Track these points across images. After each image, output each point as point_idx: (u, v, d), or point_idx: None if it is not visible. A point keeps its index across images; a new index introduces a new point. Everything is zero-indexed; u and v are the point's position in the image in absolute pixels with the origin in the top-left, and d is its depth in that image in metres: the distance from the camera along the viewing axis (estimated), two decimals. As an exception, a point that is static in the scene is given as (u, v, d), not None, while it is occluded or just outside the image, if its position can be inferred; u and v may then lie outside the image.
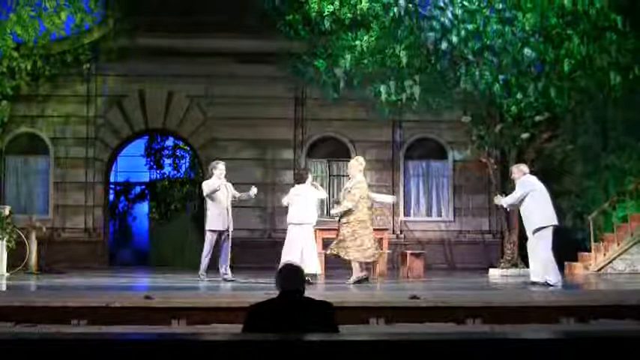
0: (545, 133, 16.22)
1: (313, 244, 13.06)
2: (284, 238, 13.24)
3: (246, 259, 16.51)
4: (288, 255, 12.39)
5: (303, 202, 12.89)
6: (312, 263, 12.62)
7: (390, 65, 15.52)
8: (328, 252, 13.17)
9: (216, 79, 19.37)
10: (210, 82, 19.44)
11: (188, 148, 21.60)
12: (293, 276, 5.56)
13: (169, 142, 22.39)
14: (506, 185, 16.41)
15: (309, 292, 5.62)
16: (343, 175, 19.87)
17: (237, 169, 19.37)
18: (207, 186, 13.60)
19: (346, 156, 19.87)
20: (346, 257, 12.79)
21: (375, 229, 13.61)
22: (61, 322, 9.20)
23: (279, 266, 5.80)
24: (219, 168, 13.73)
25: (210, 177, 13.68)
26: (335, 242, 12.95)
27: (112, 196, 21.87)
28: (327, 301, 5.61)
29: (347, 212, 12.73)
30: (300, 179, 13.26)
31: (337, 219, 13.06)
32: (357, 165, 12.89)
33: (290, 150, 19.59)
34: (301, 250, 12.67)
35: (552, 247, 12.62)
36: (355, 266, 12.80)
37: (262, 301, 5.51)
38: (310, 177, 13.36)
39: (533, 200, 12.72)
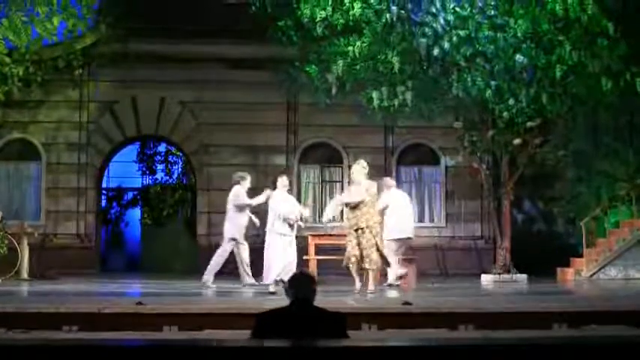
0: (537, 138, 16.25)
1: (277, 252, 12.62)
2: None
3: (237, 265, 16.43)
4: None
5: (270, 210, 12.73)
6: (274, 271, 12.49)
7: (382, 71, 15.53)
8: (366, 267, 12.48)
9: (208, 84, 19.37)
10: (202, 87, 19.44)
11: (180, 154, 21.58)
12: (305, 284, 5.45)
13: (162, 147, 22.34)
14: (499, 191, 16.45)
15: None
16: (336, 181, 19.89)
17: (229, 175, 19.28)
18: (243, 198, 13.52)
19: (339, 162, 19.89)
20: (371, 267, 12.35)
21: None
22: (52, 328, 9.15)
23: (291, 275, 5.72)
24: (248, 179, 13.88)
25: (233, 185, 13.70)
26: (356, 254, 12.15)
27: (104, 202, 21.80)
28: (340, 312, 5.54)
29: (364, 214, 12.23)
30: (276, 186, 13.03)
31: (352, 224, 12.29)
32: (361, 169, 12.40)
33: (282, 155, 19.58)
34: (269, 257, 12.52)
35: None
36: (376, 275, 12.41)
37: (272, 309, 5.41)
38: (284, 180, 12.90)
39: (392, 213, 13.48)
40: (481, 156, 16.67)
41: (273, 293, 11.85)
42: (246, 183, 13.69)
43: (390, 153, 19.81)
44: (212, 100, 19.44)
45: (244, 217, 13.50)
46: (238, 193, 13.57)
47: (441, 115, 16.87)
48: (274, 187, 13.08)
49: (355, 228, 12.12)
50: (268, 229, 12.68)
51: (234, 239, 13.42)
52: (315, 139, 19.83)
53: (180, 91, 19.43)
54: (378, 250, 12.07)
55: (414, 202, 19.92)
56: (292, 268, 12.05)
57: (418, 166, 20.06)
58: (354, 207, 12.20)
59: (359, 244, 12.06)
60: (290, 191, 13.29)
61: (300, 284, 5.43)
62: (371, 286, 12.05)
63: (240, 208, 13.47)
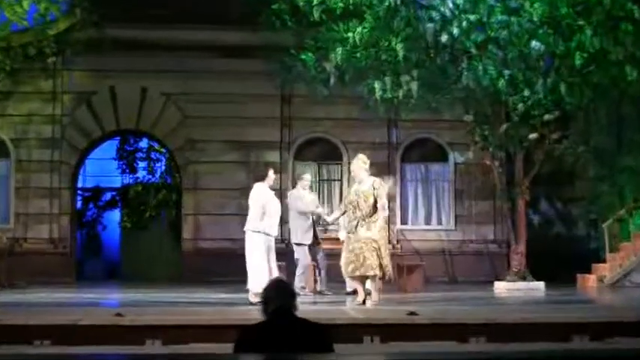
0: (555, 133, 16.24)
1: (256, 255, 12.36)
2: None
3: (228, 272, 16.41)
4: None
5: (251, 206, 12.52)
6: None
7: (385, 59, 15.52)
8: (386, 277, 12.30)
9: (194, 74, 19.34)
10: (188, 77, 19.41)
11: (164, 150, 21.53)
12: (284, 293, 5.54)
13: (143, 143, 22.29)
14: (513, 190, 16.45)
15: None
16: (334, 180, 19.89)
17: (217, 173, 19.39)
18: (301, 202, 14.16)
19: (337, 158, 19.88)
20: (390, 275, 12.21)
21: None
22: (22, 343, 9.14)
23: (266, 285, 5.76)
24: (306, 179, 14.54)
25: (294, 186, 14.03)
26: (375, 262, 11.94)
27: (79, 203, 21.75)
28: (322, 324, 5.62)
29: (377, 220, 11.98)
30: (259, 177, 12.79)
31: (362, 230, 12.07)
32: (361, 165, 12.18)
33: (276, 152, 19.58)
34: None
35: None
36: (378, 284, 12.35)
37: (254, 324, 5.48)
38: (272, 174, 12.65)
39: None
40: (493, 152, 16.66)
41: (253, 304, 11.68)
42: (305, 183, 14.44)
43: (394, 149, 19.81)
44: (199, 92, 19.42)
45: (306, 221, 14.19)
46: (301, 196, 14.28)
47: (450, 108, 16.86)
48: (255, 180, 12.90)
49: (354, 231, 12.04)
50: (252, 229, 12.38)
51: (302, 244, 14.10)
52: (311, 133, 19.83)
53: (164, 82, 19.40)
54: (380, 254, 11.91)
55: (420, 202, 20.00)
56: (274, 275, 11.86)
57: (424, 163, 20.07)
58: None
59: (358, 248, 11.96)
60: (273, 188, 12.97)
61: (279, 294, 5.52)
62: (374, 296, 12.00)
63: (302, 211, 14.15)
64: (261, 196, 12.29)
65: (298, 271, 13.98)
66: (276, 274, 11.97)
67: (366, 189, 12.05)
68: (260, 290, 11.67)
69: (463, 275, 19.09)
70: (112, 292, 16.07)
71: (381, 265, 11.84)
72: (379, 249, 11.84)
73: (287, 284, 5.70)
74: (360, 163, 12.23)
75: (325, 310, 11.78)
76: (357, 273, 11.96)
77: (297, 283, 13.55)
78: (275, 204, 12.41)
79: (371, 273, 11.85)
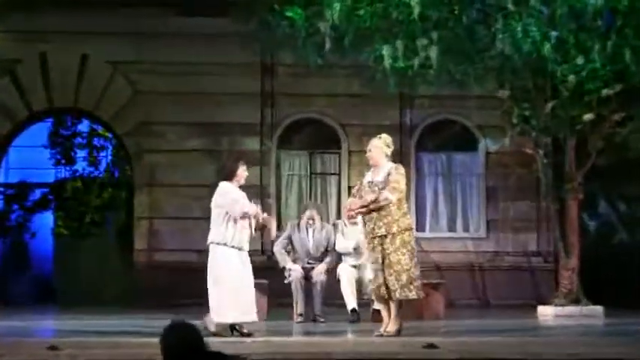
0: (617, 113, 16.25)
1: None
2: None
3: (192, 293, 16.27)
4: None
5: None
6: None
7: (396, 18, 15.52)
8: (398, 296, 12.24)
9: (150, 38, 19.37)
10: (141, 41, 19.45)
11: (110, 136, 21.56)
12: (189, 335, 5.69)
13: (83, 126, 22.33)
14: (562, 187, 16.45)
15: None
16: (330, 173, 19.90)
17: (180, 165, 19.37)
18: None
19: (334, 146, 19.90)
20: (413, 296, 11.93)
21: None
22: None
23: (165, 331, 5.83)
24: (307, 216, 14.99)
25: None
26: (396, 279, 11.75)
27: (0, 203, 21.77)
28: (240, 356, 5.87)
29: (395, 220, 11.88)
30: (226, 174, 12.59)
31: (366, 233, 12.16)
32: (383, 148, 11.84)
33: (255, 138, 19.64)
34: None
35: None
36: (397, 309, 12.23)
37: None
38: (243, 170, 12.28)
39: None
40: (537, 137, 16.68)
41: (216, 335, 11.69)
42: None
43: (407, 134, 19.90)
44: (155, 60, 19.46)
45: None
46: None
47: (480, 81, 16.79)
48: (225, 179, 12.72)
49: (372, 236, 11.91)
50: (217, 241, 12.30)
51: None
52: (300, 114, 19.91)
53: (110, 47, 19.43)
54: (405, 269, 11.70)
55: (441, 203, 20.00)
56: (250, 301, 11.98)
57: (447, 152, 20.17)
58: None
59: (375, 261, 11.81)
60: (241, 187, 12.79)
61: (184, 338, 5.66)
62: (392, 324, 11.85)
63: None
64: (227, 199, 12.13)
65: None
66: (251, 297, 12.00)
67: (382, 179, 11.82)
68: (223, 320, 11.88)
69: (497, 297, 19.20)
70: (44, 319, 16.00)
71: (409, 283, 11.71)
72: (399, 262, 11.74)
73: (188, 326, 5.75)
74: (381, 145, 11.90)
75: (319, 342, 11.77)
76: (374, 296, 12.01)
77: None
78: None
79: (394, 295, 11.73)
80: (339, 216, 17.71)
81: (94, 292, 19.73)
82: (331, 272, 14.74)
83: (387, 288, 11.67)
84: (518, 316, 15.83)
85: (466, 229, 19.96)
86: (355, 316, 14.30)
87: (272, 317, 14.68)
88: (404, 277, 11.64)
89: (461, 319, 14.80)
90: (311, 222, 14.90)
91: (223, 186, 12.19)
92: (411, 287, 11.69)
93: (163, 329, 5.75)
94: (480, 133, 19.87)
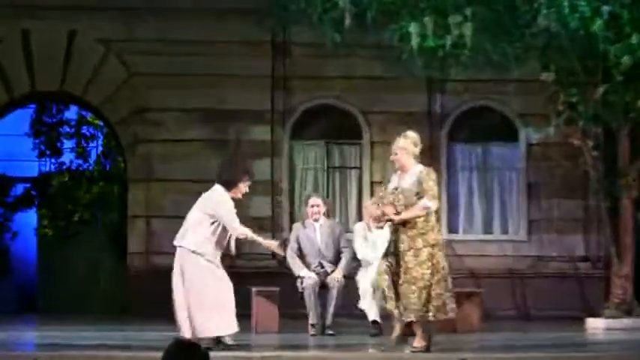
0: (678, 99, 16.24)
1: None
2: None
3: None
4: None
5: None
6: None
7: (425, -10, 15.54)
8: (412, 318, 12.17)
9: (145, 13, 19.37)
10: (136, 17, 19.48)
11: (101, 124, 21.61)
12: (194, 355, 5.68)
13: (71, 113, 22.40)
14: (615, 182, 16.41)
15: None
16: (350, 167, 19.89)
17: (179, 157, 19.34)
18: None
19: (354, 136, 19.89)
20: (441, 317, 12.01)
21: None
22: None
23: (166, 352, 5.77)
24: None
25: None
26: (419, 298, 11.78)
27: (-23, 201, 21.85)
28: None
29: (419, 229, 11.72)
30: (227, 181, 12.60)
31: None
32: (410, 148, 11.73)
33: (265, 126, 19.65)
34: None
35: None
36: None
37: None
38: (245, 185, 12.45)
39: None
40: (585, 127, 16.64)
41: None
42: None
43: (437, 123, 19.93)
44: (152, 38, 19.48)
45: None
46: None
47: (521, 62, 16.80)
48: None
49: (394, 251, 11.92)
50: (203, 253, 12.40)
51: None
52: (316, 100, 19.93)
53: (101, 23, 19.48)
54: (427, 285, 11.62)
55: (476, 201, 19.95)
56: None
57: (483, 143, 20.20)
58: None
59: (395, 274, 11.77)
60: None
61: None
62: (417, 341, 11.84)
63: None
64: (221, 210, 12.19)
65: None
66: (233, 306, 12.19)
67: (409, 186, 11.73)
68: (207, 335, 11.98)
69: (539, 308, 19.20)
70: (27, 330, 16.14)
71: (427, 302, 11.66)
72: (422, 278, 11.67)
73: (194, 346, 5.76)
74: (407, 145, 11.81)
75: (336, 358, 11.77)
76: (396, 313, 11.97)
77: None
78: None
79: (411, 317, 11.72)
80: (360, 216, 17.64)
81: (83, 299, 19.84)
82: (348, 278, 14.69)
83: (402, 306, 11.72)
84: (563, 329, 15.82)
85: (504, 230, 19.99)
86: (377, 329, 14.28)
87: (284, 328, 14.65)
88: (423, 295, 11.63)
89: (498, 332, 14.89)
90: (316, 213, 14.82)
91: (220, 192, 12.28)
92: (430, 307, 11.65)
93: (166, 349, 5.71)
94: (520, 121, 19.90)
